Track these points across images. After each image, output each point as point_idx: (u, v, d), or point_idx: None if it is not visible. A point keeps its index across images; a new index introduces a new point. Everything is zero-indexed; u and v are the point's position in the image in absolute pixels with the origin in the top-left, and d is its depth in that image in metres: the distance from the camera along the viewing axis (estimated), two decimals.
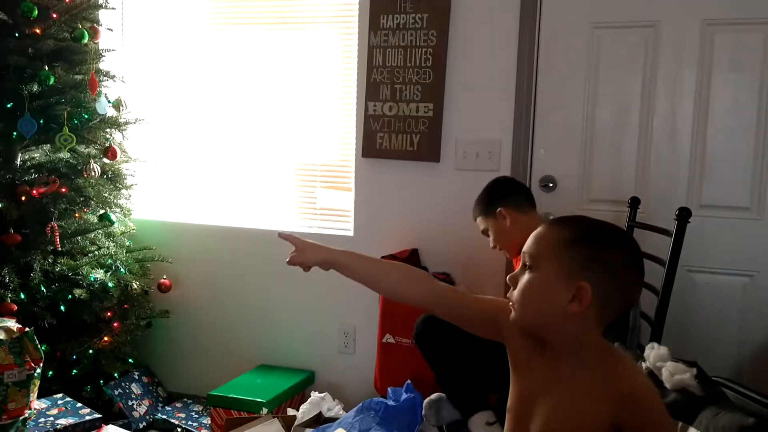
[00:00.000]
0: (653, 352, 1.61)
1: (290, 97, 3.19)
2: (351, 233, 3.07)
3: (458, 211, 2.86)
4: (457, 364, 2.14)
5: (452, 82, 2.82)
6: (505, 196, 2.35)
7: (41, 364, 1.99)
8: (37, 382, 2.00)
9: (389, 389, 2.57)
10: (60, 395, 2.42)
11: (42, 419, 2.06)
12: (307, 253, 1.45)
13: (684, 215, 2.14)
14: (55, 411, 2.21)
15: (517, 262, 2.30)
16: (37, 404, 2.04)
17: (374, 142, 2.90)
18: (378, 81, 2.87)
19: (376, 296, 2.87)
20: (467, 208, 2.85)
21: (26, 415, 1.97)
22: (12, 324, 1.98)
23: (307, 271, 1.47)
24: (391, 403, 2.50)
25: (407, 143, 2.85)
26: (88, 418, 2.12)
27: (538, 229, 1.27)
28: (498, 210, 2.31)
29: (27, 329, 1.97)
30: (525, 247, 1.27)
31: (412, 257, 2.91)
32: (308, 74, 3.14)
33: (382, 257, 2.88)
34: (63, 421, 2.03)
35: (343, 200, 3.15)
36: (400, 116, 2.85)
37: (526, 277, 1.24)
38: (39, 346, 1.99)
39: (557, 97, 2.74)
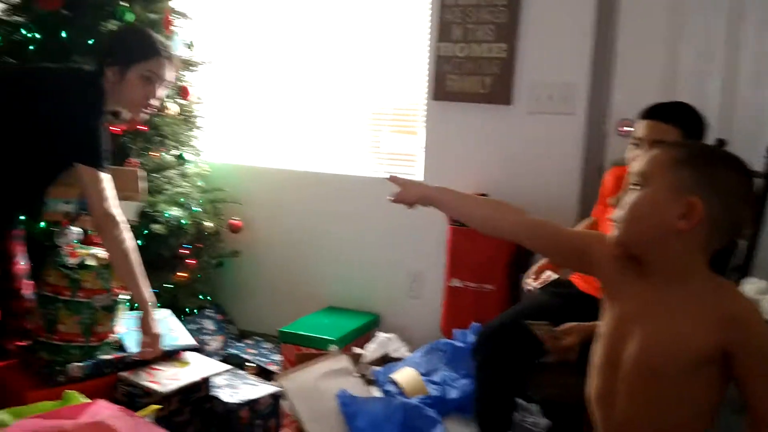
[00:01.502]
0: (752, 286, 1.57)
1: (360, 40, 3.17)
2: (420, 177, 3.06)
3: (530, 156, 2.82)
4: (506, 393, 2.08)
5: (527, 21, 2.74)
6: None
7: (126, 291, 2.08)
8: (122, 309, 2.10)
9: (455, 331, 2.59)
10: None
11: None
12: (409, 191, 1.54)
13: (720, 144, 2.02)
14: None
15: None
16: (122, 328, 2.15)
17: (444, 85, 2.87)
18: (450, 21, 2.81)
19: (442, 241, 2.88)
20: (538, 152, 2.81)
21: (112, 338, 2.08)
22: (100, 252, 2.08)
23: (410, 208, 1.56)
24: (458, 344, 2.53)
25: (478, 85, 2.81)
26: (175, 344, 2.22)
27: (649, 152, 1.27)
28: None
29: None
30: (636, 167, 1.27)
31: None
32: (379, 16, 3.11)
33: None
34: None
35: (410, 144, 3.14)
36: (472, 57, 2.80)
37: (634, 194, 1.25)
38: None
39: (638, 37, 2.63)
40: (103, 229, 1.94)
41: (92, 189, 1.92)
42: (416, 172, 3.09)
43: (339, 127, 3.29)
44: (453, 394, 2.35)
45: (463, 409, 2.36)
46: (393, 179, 1.59)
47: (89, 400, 1.57)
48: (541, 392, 2.11)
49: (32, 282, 2.26)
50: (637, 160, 1.28)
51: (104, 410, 1.53)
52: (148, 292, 2.00)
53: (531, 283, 2.23)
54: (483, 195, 2.90)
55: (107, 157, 1.97)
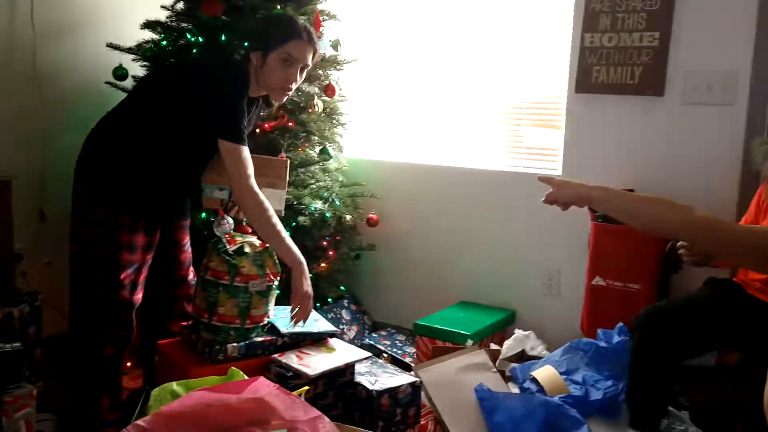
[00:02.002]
0: None
1: (500, 32, 3.14)
2: (559, 173, 2.99)
3: (683, 151, 2.67)
4: (661, 382, 2.00)
5: (682, 7, 2.59)
6: None
7: (278, 278, 2.19)
8: (274, 294, 2.21)
9: (599, 331, 2.50)
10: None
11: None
12: (562, 190, 1.48)
13: None
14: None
15: None
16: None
17: (590, 76, 2.78)
18: (597, 10, 2.72)
19: (581, 239, 2.79)
20: (692, 146, 2.65)
21: (265, 321, 2.19)
22: (255, 240, 2.20)
23: (564, 209, 1.49)
24: (602, 344, 2.44)
25: (627, 76, 2.69)
26: (321, 329, 2.31)
27: None
28: None
29: (267, 245, 2.17)
30: None
31: None
32: (519, 8, 3.06)
33: None
34: (298, 329, 2.24)
35: (551, 139, 3.07)
36: (621, 47, 2.69)
37: None
38: (277, 261, 2.19)
39: None
40: (244, 200, 2.09)
41: (232, 164, 2.05)
42: (556, 168, 3.01)
43: (477, 122, 3.28)
44: (596, 395, 2.28)
45: (606, 412, 2.28)
46: (544, 179, 1.53)
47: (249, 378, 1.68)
48: (693, 398, 2.00)
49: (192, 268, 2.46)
50: None
51: (264, 387, 1.63)
52: (297, 252, 2.14)
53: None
54: (631, 191, 2.78)
55: (246, 136, 2.10)
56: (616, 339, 2.40)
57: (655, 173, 2.74)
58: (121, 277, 2.13)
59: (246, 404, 1.59)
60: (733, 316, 1.90)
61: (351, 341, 3.23)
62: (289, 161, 2.47)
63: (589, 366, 2.44)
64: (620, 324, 2.42)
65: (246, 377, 1.68)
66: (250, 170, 2.09)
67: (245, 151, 2.08)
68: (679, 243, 2.02)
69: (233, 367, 1.75)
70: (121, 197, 2.13)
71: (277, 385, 1.65)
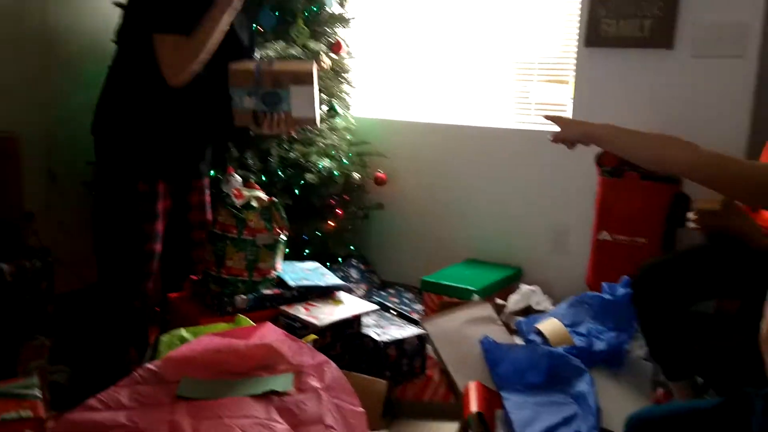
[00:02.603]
0: None
1: None
2: None
3: (690, 103, 2.66)
4: (671, 329, 2.01)
5: None
6: None
7: (286, 232, 2.22)
8: (282, 248, 2.24)
9: (604, 284, 2.52)
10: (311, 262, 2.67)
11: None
12: (570, 129, 1.50)
13: None
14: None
15: None
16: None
17: (599, 30, 2.75)
18: None
19: (589, 195, 2.79)
20: (701, 99, 2.63)
21: (273, 275, 2.23)
22: (262, 194, 2.23)
23: (571, 148, 1.50)
24: (607, 297, 2.46)
25: (637, 29, 2.66)
26: (329, 283, 2.35)
27: None
28: None
29: (275, 199, 2.20)
30: None
31: None
32: None
33: (602, 152, 2.78)
34: (306, 281, 2.28)
35: (559, 94, 3.05)
36: (631, 0, 2.65)
37: None
38: (284, 215, 2.22)
39: None
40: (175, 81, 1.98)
41: (158, 54, 1.93)
42: None
43: (485, 79, 3.26)
44: (600, 345, 2.31)
45: (610, 362, 2.31)
46: (551, 118, 1.53)
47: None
48: (699, 344, 2.02)
49: None
50: None
51: (272, 333, 1.67)
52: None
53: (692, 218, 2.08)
54: None
55: (179, 22, 1.95)
56: (620, 292, 2.42)
57: (664, 127, 2.69)
58: (146, 230, 2.14)
59: (254, 349, 1.64)
60: (733, 265, 1.91)
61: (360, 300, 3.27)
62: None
63: (593, 319, 2.47)
64: (625, 277, 2.43)
65: (253, 324, 1.72)
66: (183, 60, 1.94)
67: (172, 38, 1.92)
68: (691, 213, 2.01)
69: (240, 315, 1.79)
70: (137, 155, 2.10)
71: (284, 331, 1.69)
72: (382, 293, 3.40)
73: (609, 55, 2.78)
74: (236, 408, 1.45)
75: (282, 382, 1.52)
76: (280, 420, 1.45)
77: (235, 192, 2.19)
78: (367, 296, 3.33)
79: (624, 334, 2.34)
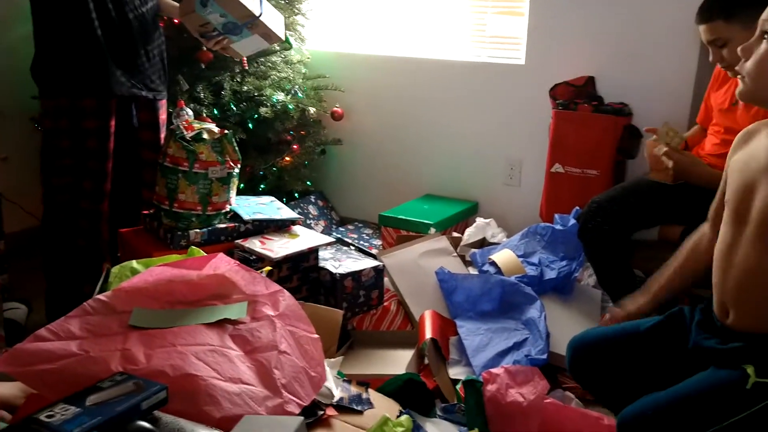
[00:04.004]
0: None
1: None
2: (522, 62, 2.97)
3: (641, 34, 2.67)
4: (616, 260, 2.08)
5: None
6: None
7: (239, 165, 2.19)
8: (236, 181, 2.22)
9: (556, 215, 2.57)
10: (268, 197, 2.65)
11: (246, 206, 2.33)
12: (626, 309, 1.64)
13: None
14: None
15: (729, 83, 2.07)
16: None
17: None
18: None
19: (543, 129, 2.82)
20: (651, 30, 2.64)
21: (227, 209, 2.21)
22: (213, 127, 2.19)
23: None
24: (558, 227, 2.51)
25: None
26: (284, 216, 2.34)
27: None
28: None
29: (226, 132, 2.16)
30: (765, 14, 1.20)
31: (587, 85, 2.78)
32: None
33: (556, 85, 2.79)
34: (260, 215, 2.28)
35: (515, 27, 3.03)
36: None
37: (764, 46, 1.20)
38: (236, 148, 2.19)
39: None
40: None
41: None
42: (520, 57, 2.99)
43: (440, 11, 3.21)
44: (550, 274, 2.38)
45: (560, 290, 2.39)
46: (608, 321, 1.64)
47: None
48: (643, 269, 2.10)
49: None
50: None
51: (225, 264, 1.66)
52: None
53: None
54: (590, 77, 2.79)
55: None
56: (571, 222, 2.47)
57: (616, 59, 2.74)
58: (88, 165, 2.13)
59: (206, 279, 1.63)
60: (677, 193, 1.97)
61: None
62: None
63: (545, 249, 2.53)
64: (577, 208, 2.48)
65: (205, 255, 1.71)
66: None
67: None
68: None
69: (193, 247, 1.78)
70: (71, 73, 2.08)
71: (237, 261, 1.69)
72: (341, 229, 3.41)
73: None
74: (189, 336, 1.46)
75: (236, 311, 1.53)
76: (234, 347, 1.46)
77: (185, 124, 2.15)
78: (326, 232, 3.34)
79: (574, 262, 2.41)
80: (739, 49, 1.25)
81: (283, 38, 2.36)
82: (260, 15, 2.16)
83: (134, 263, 1.69)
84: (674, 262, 1.57)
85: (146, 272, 1.62)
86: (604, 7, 2.71)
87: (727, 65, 1.95)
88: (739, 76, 1.25)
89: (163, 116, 2.31)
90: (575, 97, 2.72)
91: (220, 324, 1.50)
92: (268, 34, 2.24)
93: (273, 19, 2.25)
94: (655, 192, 2.00)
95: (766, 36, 1.19)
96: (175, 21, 2.41)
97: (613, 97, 2.73)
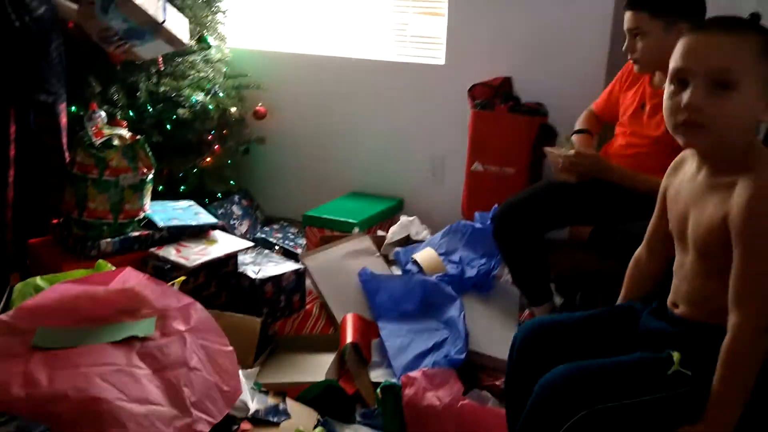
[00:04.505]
0: None
1: None
2: (442, 62, 3.00)
3: (555, 36, 2.74)
4: (529, 260, 2.14)
5: None
6: (694, 9, 1.95)
7: (152, 171, 2.14)
8: (150, 187, 2.16)
9: (476, 213, 2.62)
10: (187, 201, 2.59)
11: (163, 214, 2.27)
12: None
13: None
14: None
15: (640, 75, 2.15)
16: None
17: None
18: None
19: (464, 128, 2.86)
20: (565, 32, 2.72)
21: (141, 216, 2.16)
22: (125, 132, 2.12)
23: None
24: (478, 225, 2.56)
25: None
26: (202, 222, 2.30)
27: (719, 41, 1.19)
28: (679, 26, 1.90)
29: (138, 137, 2.10)
30: (707, 63, 1.18)
31: (503, 85, 2.84)
32: None
33: (474, 85, 2.84)
34: (177, 221, 2.23)
35: (435, 27, 3.05)
36: None
37: (724, 97, 1.18)
38: (150, 154, 2.13)
39: None
40: None
41: None
42: (440, 57, 3.02)
43: (363, 10, 3.20)
44: (470, 272, 2.42)
45: (480, 287, 2.43)
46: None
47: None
48: (555, 269, 2.17)
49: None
50: (701, 49, 1.20)
51: (133, 278, 1.63)
52: None
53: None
54: (507, 78, 2.84)
55: None
56: (489, 222, 2.52)
57: (531, 60, 2.81)
58: None
59: (114, 294, 1.59)
60: (585, 194, 2.04)
61: (243, 236, 3.23)
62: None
63: (466, 246, 2.57)
64: (495, 206, 2.54)
65: (113, 269, 1.67)
66: None
67: None
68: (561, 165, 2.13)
69: (101, 260, 1.73)
70: None
71: (146, 274, 1.66)
72: (266, 229, 3.38)
73: None
74: (95, 356, 1.42)
75: (143, 327, 1.50)
76: (142, 365, 1.43)
77: (94, 130, 2.08)
78: (251, 232, 3.30)
79: (493, 260, 2.46)
80: (685, 103, 1.22)
81: (188, 42, 2.33)
82: (163, 21, 2.11)
83: (38, 280, 1.63)
84: (622, 293, 1.59)
85: (50, 289, 1.57)
86: (520, 9, 2.77)
87: (636, 58, 2.03)
88: (690, 127, 1.24)
89: (63, 120, 2.22)
90: (493, 97, 2.78)
91: (128, 342, 1.47)
92: (172, 39, 2.21)
93: (177, 24, 2.21)
94: (564, 193, 2.07)
95: (716, 87, 1.18)
96: (69, 23, 2.30)
97: (529, 97, 2.80)
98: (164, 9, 2.12)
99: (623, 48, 2.07)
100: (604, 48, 2.67)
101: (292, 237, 3.31)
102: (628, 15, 2.01)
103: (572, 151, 2.07)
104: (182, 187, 2.95)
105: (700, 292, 1.30)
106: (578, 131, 2.27)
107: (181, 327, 1.54)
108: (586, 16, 2.65)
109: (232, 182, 3.28)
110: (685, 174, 1.34)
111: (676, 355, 1.26)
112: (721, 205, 1.21)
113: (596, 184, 2.05)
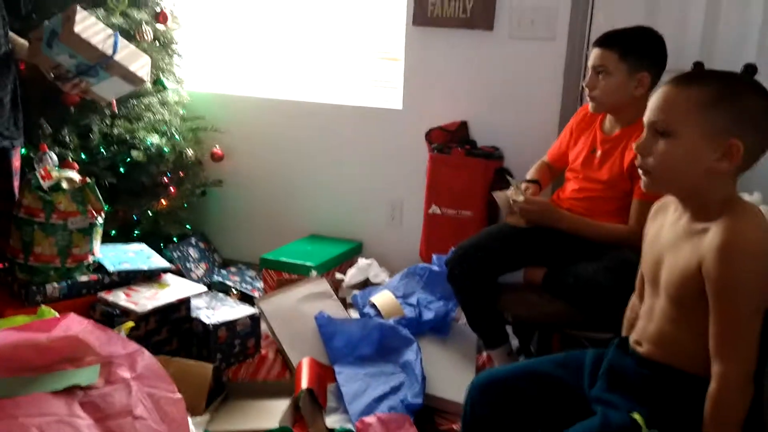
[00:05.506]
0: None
1: None
2: (400, 107, 3.05)
3: (510, 83, 2.80)
4: (484, 304, 2.15)
5: None
6: (658, 63, 2.06)
7: (102, 214, 2.10)
8: (100, 231, 2.12)
9: (434, 256, 2.63)
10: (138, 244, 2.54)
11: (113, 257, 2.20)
12: None
13: (750, 71, 2.02)
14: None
15: (591, 121, 2.21)
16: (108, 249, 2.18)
17: (426, 10, 2.82)
18: None
19: (423, 170, 2.88)
20: (519, 79, 2.79)
21: (90, 260, 2.10)
22: (74, 175, 2.08)
23: None
24: (435, 268, 2.57)
25: (460, 10, 2.75)
26: (153, 266, 2.25)
27: (665, 93, 1.26)
28: (641, 74, 2.01)
29: (88, 180, 2.06)
30: (653, 114, 1.26)
31: (460, 130, 2.88)
32: None
33: (431, 129, 2.88)
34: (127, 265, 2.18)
35: (392, 72, 3.10)
36: None
37: (662, 145, 1.25)
38: (100, 197, 2.09)
39: None
40: None
41: None
42: (397, 101, 3.06)
43: (320, 55, 3.24)
44: (428, 315, 2.41)
45: (438, 330, 2.43)
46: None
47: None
48: (510, 311, 2.17)
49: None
50: (652, 102, 1.28)
51: (76, 324, 1.57)
52: None
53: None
54: (463, 122, 2.89)
55: None
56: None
57: (486, 104, 2.87)
58: None
59: (57, 342, 1.53)
60: (537, 237, 2.07)
61: (200, 279, 3.18)
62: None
63: (424, 289, 2.57)
64: (452, 248, 2.55)
65: (57, 315, 1.61)
66: None
67: None
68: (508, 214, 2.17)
69: (44, 306, 1.68)
70: None
71: (91, 320, 1.60)
72: (223, 272, 3.33)
73: (435, 34, 2.85)
74: (34, 406, 1.36)
75: (86, 376, 1.44)
76: (83, 415, 1.37)
77: (42, 173, 2.03)
78: (208, 275, 3.25)
79: (451, 303, 2.46)
80: (634, 145, 1.31)
81: (148, 80, 2.25)
82: (113, 55, 2.05)
83: None
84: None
85: None
86: (474, 53, 2.84)
87: (594, 96, 2.09)
88: (640, 170, 1.31)
89: (16, 163, 2.16)
90: (449, 142, 2.82)
91: (70, 391, 1.41)
92: (128, 77, 2.12)
93: (133, 60, 2.14)
94: (516, 237, 2.09)
95: (660, 134, 1.25)
96: (20, 65, 2.24)
97: (485, 141, 2.85)
98: (115, 43, 2.05)
99: (584, 83, 2.13)
100: (557, 95, 2.74)
101: (249, 280, 3.26)
102: (597, 52, 2.06)
103: (521, 198, 2.10)
104: (136, 231, 2.89)
105: (668, 336, 1.31)
106: (529, 181, 2.31)
107: (127, 374, 1.49)
108: (540, 63, 2.73)
109: (187, 225, 3.24)
110: (666, 219, 1.37)
111: (638, 418, 1.25)
112: (695, 251, 1.23)
113: (547, 227, 2.08)
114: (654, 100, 1.28)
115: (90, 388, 1.43)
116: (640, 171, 1.31)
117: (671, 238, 1.31)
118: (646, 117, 1.29)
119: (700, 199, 1.27)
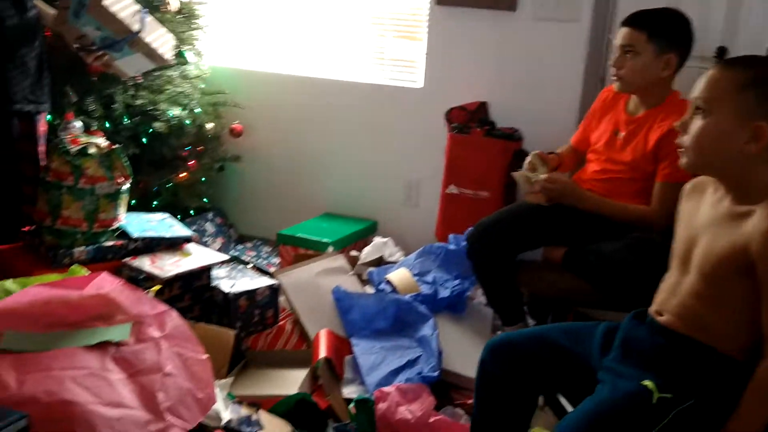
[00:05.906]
0: None
1: None
2: (420, 85, 3.06)
3: (532, 64, 2.81)
4: (503, 280, 2.18)
5: None
6: (686, 45, 2.07)
7: (129, 181, 2.12)
8: (125, 197, 2.14)
9: (450, 236, 2.65)
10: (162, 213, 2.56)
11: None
12: None
13: None
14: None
15: (615, 102, 2.22)
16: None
17: None
18: None
19: (440, 150, 2.90)
20: (541, 60, 2.80)
21: (115, 226, 2.13)
22: (101, 141, 2.11)
23: None
24: (452, 247, 2.59)
25: None
26: (176, 234, 2.27)
27: (710, 73, 1.31)
28: (669, 55, 2.02)
29: (115, 146, 2.09)
30: (696, 92, 1.31)
31: (480, 110, 2.89)
32: None
33: (451, 109, 2.89)
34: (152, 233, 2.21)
35: (413, 51, 3.11)
36: None
37: (699, 122, 1.31)
38: (127, 163, 2.11)
39: None
40: None
41: None
42: (417, 80, 3.08)
43: (341, 32, 3.25)
44: (444, 293, 2.44)
45: (453, 308, 2.45)
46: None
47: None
48: (528, 287, 2.20)
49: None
50: (698, 81, 1.32)
51: (108, 283, 1.60)
52: None
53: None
54: (483, 103, 2.90)
55: None
56: (464, 243, 2.55)
57: (507, 85, 2.88)
58: None
59: (88, 300, 1.56)
60: (557, 216, 2.09)
61: None
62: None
63: (439, 268, 2.59)
64: (469, 228, 2.57)
65: (88, 273, 1.64)
66: None
67: None
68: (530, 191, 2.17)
69: (75, 265, 1.71)
70: None
71: (122, 280, 1.63)
72: (239, 247, 3.36)
73: (458, 14, 2.86)
74: (67, 359, 1.39)
75: (118, 332, 1.47)
76: (116, 369, 1.40)
77: (71, 138, 2.06)
78: (224, 250, 3.27)
79: (467, 281, 2.48)
80: (676, 124, 1.36)
81: (171, 60, 2.27)
82: (139, 32, 2.04)
83: (9, 283, 1.59)
84: None
85: (21, 292, 1.53)
86: (497, 35, 2.84)
87: (621, 75, 2.08)
88: (679, 150, 1.36)
89: (42, 128, 2.18)
90: (469, 121, 2.83)
91: (102, 346, 1.45)
92: (152, 55, 2.13)
93: (158, 39, 2.15)
94: (536, 215, 2.11)
95: (699, 111, 1.30)
96: (46, 32, 2.25)
97: (504, 122, 2.86)
98: (142, 20, 2.06)
99: (610, 62, 2.13)
100: (578, 78, 2.75)
101: (265, 256, 3.29)
102: (624, 31, 2.06)
103: (544, 176, 2.11)
104: (155, 202, 2.92)
105: (692, 310, 1.33)
106: (550, 153, 2.32)
107: (156, 334, 1.52)
108: (561, 44, 2.74)
109: (205, 199, 3.27)
110: (704, 199, 1.39)
111: (650, 384, 1.28)
112: (739, 233, 1.26)
113: (569, 205, 2.09)
114: (700, 79, 1.33)
115: (121, 344, 1.46)
116: (679, 150, 1.36)
117: (710, 218, 1.34)
118: (691, 95, 1.34)
119: (740, 181, 1.30)
